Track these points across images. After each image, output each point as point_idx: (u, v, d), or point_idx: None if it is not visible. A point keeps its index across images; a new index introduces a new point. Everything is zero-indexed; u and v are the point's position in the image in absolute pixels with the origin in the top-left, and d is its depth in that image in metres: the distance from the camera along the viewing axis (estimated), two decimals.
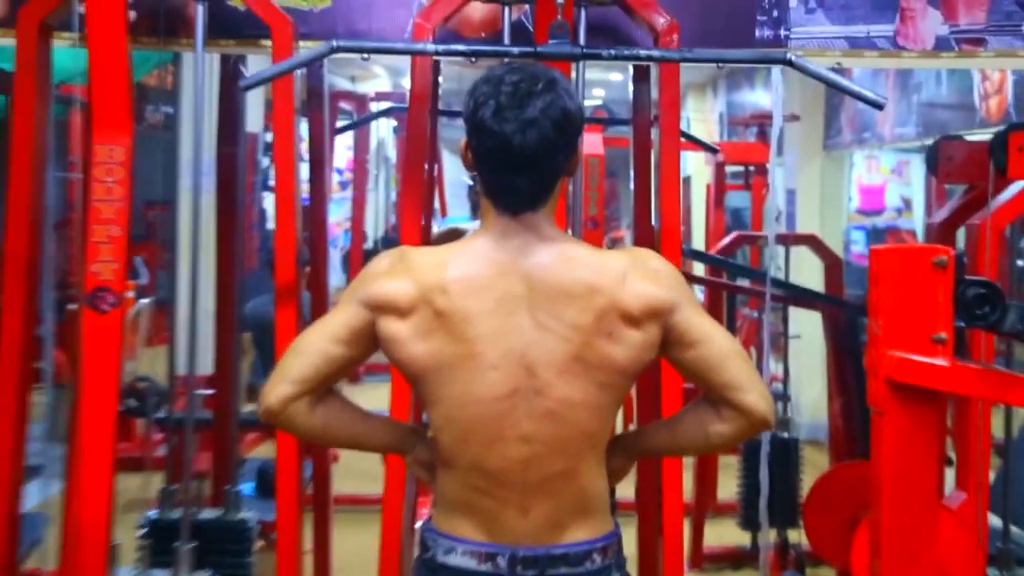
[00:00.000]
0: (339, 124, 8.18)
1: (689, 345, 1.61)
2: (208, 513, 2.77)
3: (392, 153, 12.30)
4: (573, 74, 2.54)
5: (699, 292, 5.76)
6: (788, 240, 4.54)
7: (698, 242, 9.60)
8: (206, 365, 3.06)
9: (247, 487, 3.72)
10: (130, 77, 2.50)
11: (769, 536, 3.79)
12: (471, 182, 4.79)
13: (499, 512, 1.61)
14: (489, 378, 1.57)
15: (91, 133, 2.49)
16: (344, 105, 9.07)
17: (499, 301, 1.57)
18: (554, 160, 1.60)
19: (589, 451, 1.62)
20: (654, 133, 2.87)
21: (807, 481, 3.81)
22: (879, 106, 2.27)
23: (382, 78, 11.79)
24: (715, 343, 1.62)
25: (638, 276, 1.60)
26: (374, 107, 9.03)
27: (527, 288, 1.58)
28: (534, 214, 1.61)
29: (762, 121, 7.00)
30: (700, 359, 1.61)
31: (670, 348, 1.63)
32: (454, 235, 3.98)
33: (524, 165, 1.58)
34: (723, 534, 4.75)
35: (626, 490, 3.78)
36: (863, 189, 9.11)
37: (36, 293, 2.64)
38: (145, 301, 5.50)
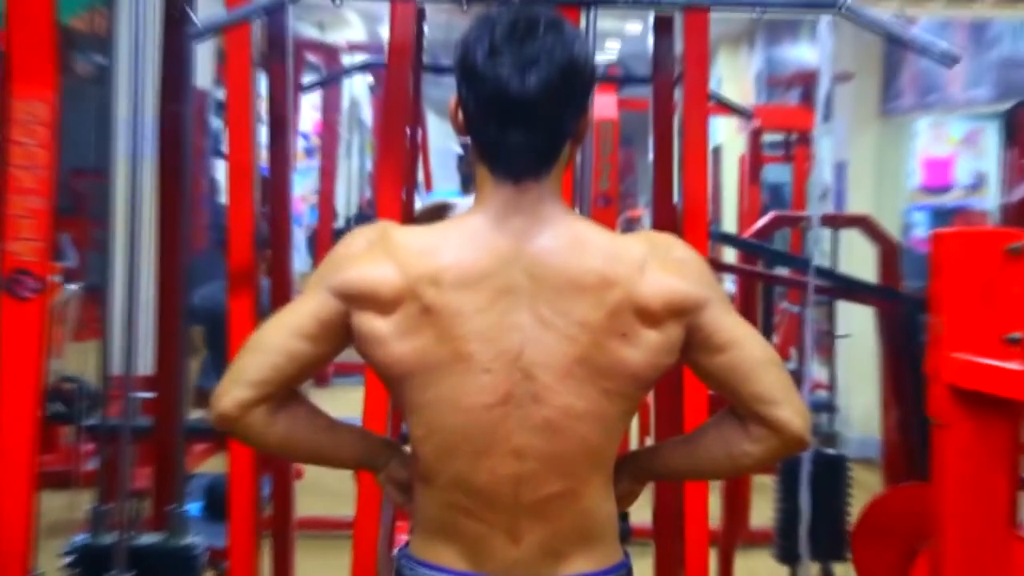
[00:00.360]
0: (305, 80, 8.17)
1: (716, 350, 1.62)
2: (148, 538, 2.78)
3: (368, 115, 12.30)
4: (583, 23, 2.54)
5: (729, 283, 5.76)
6: (837, 222, 4.56)
7: (729, 224, 9.61)
8: (146, 364, 3.07)
9: (194, 507, 3.72)
10: (55, 20, 2.49)
11: (811, 570, 3.80)
12: (461, 150, 4.79)
13: (486, 537, 1.62)
14: (480, 383, 1.57)
15: (8, 86, 2.48)
16: (311, 58, 9.06)
17: (497, 294, 1.58)
18: (560, 114, 1.61)
19: (593, 470, 1.63)
20: (678, 94, 2.88)
21: (856, 506, 3.83)
22: (950, 62, 2.26)
23: (356, 26, 11.78)
24: (746, 348, 1.62)
25: (659, 266, 1.60)
26: (347, 61, 9.02)
27: (529, 278, 1.58)
28: (538, 183, 1.62)
29: (807, 81, 7.01)
30: (728, 366, 1.62)
31: (694, 352, 1.63)
32: (440, 212, 3.98)
33: (524, 116, 1.58)
34: (756, 568, 4.76)
35: (642, 514, 3.81)
36: (927, 162, 9.11)
37: None
38: (73, 287, 5.51)
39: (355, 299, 1.59)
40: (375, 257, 1.60)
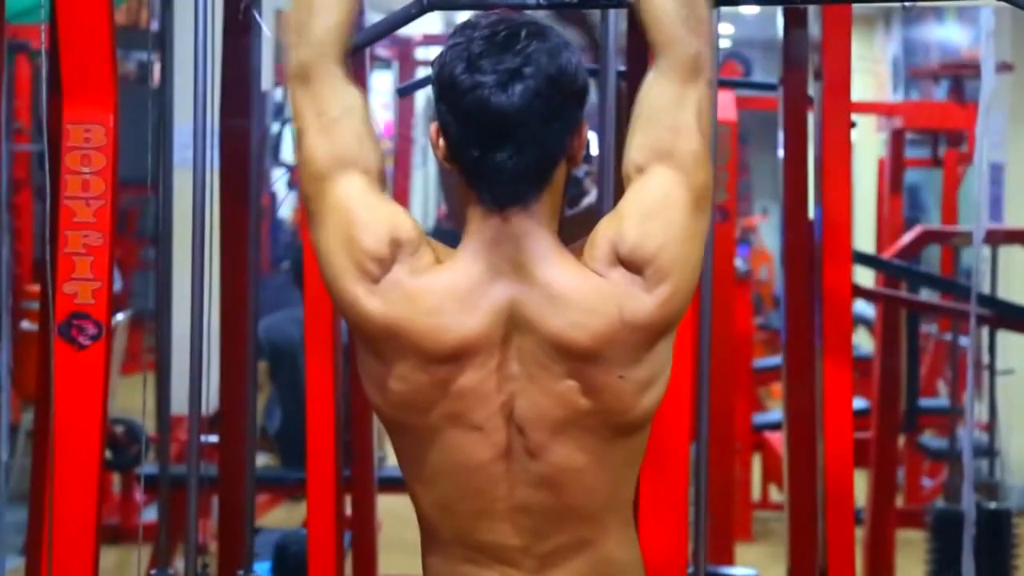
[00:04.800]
0: (374, 76, 8.25)
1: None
2: None
3: None
4: None
5: (868, 311, 5.68)
6: (997, 238, 4.50)
7: (862, 239, 9.50)
8: (207, 402, 3.11)
9: (261, 568, 3.76)
10: (112, 21, 2.48)
11: None
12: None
13: None
14: (472, 440, 1.67)
15: (53, 98, 2.48)
16: (381, 51, 9.11)
17: (483, 343, 1.66)
18: (549, 129, 1.66)
19: (606, 514, 1.72)
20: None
21: None
22: None
23: (431, 16, 11.83)
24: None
25: (639, 292, 1.66)
26: (421, 55, 9.07)
27: (517, 331, 1.67)
28: (526, 211, 1.68)
29: (957, 71, 6.93)
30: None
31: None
32: None
33: (509, 132, 1.64)
34: None
35: (775, 573, 3.79)
36: None
37: None
38: (120, 316, 5.61)
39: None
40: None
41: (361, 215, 1.69)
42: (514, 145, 1.64)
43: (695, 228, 1.69)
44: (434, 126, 1.70)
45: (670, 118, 1.69)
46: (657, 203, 1.68)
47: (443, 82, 1.66)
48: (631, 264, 1.66)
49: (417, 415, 1.69)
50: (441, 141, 1.69)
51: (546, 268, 1.67)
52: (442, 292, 1.67)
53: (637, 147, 1.71)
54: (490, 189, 1.67)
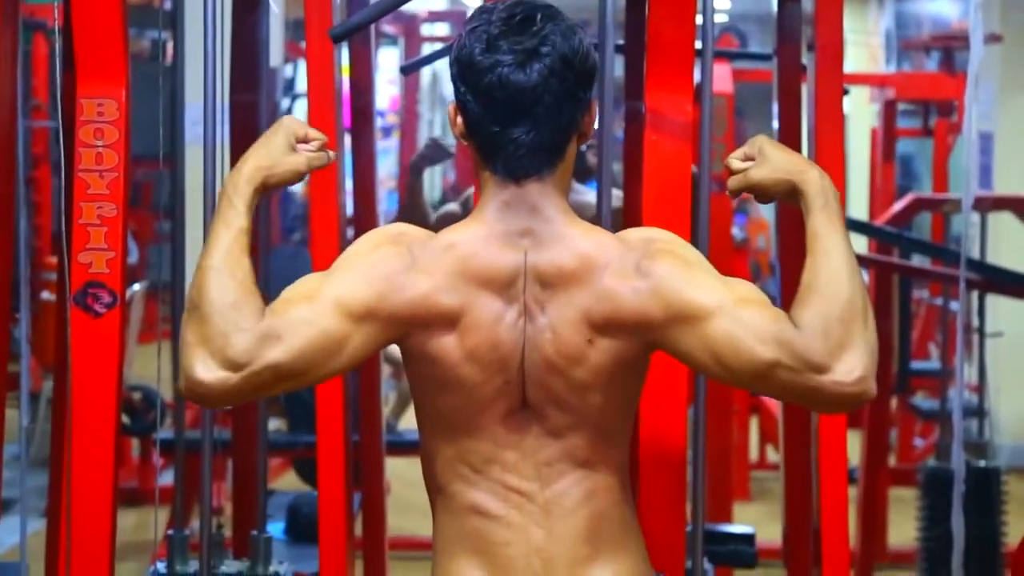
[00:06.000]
0: (381, 53, 8.22)
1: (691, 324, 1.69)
2: (231, 565, 2.82)
3: (450, 90, 12.30)
4: None
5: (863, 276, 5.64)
6: (986, 204, 4.49)
7: (856, 207, 9.49)
8: None
9: (274, 528, 3.76)
10: (125, 2, 2.49)
11: None
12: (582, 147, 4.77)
13: (508, 545, 1.73)
14: (487, 389, 1.71)
15: (67, 74, 2.47)
16: (387, 28, 9.09)
17: (499, 299, 1.70)
18: (563, 106, 1.70)
19: (606, 471, 1.75)
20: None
21: (1015, 525, 3.79)
22: None
23: None
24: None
25: (620, 275, 1.70)
26: (427, 31, 9.03)
27: (531, 283, 1.70)
28: (540, 183, 1.72)
29: (947, 43, 6.90)
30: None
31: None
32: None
33: (526, 109, 1.69)
34: None
35: (771, 531, 3.81)
36: None
37: (7, 278, 2.69)
38: (136, 287, 5.62)
39: (411, 321, 1.71)
40: (411, 267, 1.71)
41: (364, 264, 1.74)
42: (531, 121, 1.69)
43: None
44: (452, 105, 1.75)
45: (751, 325, 1.74)
46: (695, 274, 1.72)
47: (462, 63, 1.71)
48: (644, 278, 1.70)
49: (440, 367, 1.71)
50: (459, 119, 1.74)
51: (560, 227, 1.71)
52: (469, 241, 1.71)
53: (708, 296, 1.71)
54: (506, 163, 1.71)
